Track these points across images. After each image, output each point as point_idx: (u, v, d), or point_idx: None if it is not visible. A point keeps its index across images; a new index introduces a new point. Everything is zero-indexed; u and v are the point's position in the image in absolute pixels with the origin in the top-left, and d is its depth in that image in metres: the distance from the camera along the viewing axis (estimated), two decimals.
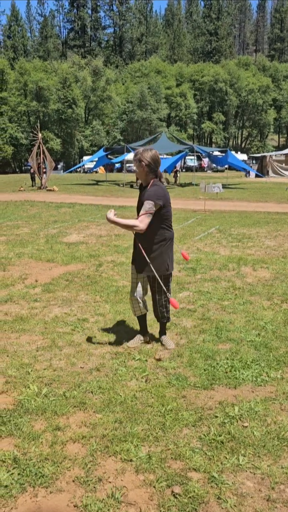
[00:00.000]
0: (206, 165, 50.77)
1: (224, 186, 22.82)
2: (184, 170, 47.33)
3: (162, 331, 3.97)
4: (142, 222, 3.46)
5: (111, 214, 3.46)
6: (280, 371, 3.40)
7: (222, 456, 2.42)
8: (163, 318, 3.89)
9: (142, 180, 3.66)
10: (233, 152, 35.66)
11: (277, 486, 2.21)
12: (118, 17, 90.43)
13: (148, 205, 3.47)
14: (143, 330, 3.97)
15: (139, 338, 3.94)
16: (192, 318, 4.53)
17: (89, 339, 4.01)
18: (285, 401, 2.98)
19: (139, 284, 3.81)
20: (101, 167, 42.68)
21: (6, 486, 2.19)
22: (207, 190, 15.12)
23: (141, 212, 3.50)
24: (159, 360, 3.57)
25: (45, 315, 4.65)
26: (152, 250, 3.65)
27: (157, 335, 4.05)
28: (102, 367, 3.46)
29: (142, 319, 3.95)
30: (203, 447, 2.50)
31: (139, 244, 3.63)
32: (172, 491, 2.16)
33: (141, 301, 3.84)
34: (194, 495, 2.13)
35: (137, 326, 4.19)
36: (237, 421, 2.74)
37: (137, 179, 27.86)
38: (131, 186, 27.51)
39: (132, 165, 42.06)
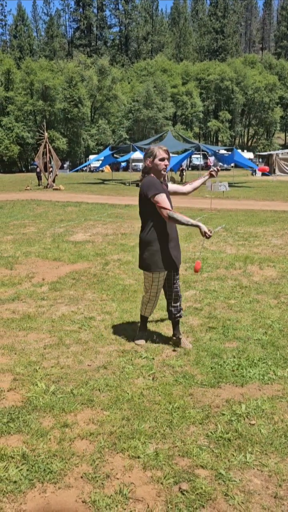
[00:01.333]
0: (212, 164, 50.66)
1: (230, 185, 22.77)
2: (190, 168, 47.26)
3: (179, 330, 3.89)
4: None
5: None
6: (287, 369, 3.39)
7: (229, 454, 2.43)
8: (181, 311, 3.85)
9: (161, 176, 3.63)
10: (239, 151, 35.57)
11: (284, 484, 2.21)
12: (124, 16, 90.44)
13: None
14: (146, 329, 4.02)
15: (144, 338, 3.95)
16: (199, 317, 4.53)
17: (96, 337, 4.03)
18: None
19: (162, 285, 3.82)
20: (107, 166, 42.69)
21: (15, 482, 2.22)
22: (214, 188, 15.10)
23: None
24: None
25: (52, 314, 4.68)
26: None
27: (165, 334, 4.06)
28: (109, 365, 3.48)
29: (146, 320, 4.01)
30: (210, 445, 2.51)
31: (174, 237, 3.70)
32: (180, 488, 2.17)
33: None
34: (201, 491, 2.15)
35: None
36: (244, 419, 2.75)
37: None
38: (137, 185, 27.50)
39: (139, 163, 42.13)
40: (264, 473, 2.29)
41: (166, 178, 3.70)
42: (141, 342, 3.88)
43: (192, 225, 3.48)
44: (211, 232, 3.46)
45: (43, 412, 2.83)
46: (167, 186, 3.80)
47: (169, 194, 3.72)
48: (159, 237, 3.59)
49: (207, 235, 3.44)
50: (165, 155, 3.53)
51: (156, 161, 3.52)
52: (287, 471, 2.30)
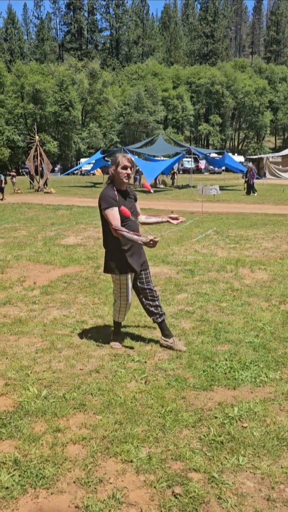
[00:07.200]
0: (203, 167, 50.87)
1: (221, 188, 22.87)
2: (181, 172, 47.42)
3: (169, 332, 3.87)
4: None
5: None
6: (278, 371, 3.41)
7: (222, 457, 2.44)
8: (163, 315, 3.82)
9: (124, 185, 3.64)
10: (230, 154, 35.76)
11: (277, 486, 2.22)
12: (114, 20, 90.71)
13: None
14: (120, 335, 3.97)
15: (119, 343, 3.92)
16: (191, 320, 4.54)
17: (88, 341, 4.01)
18: (284, 401, 2.99)
19: (131, 288, 3.79)
20: (98, 169, 42.68)
21: (7, 488, 2.20)
22: (205, 192, 15.16)
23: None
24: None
25: (44, 317, 4.65)
26: None
27: (158, 337, 4.06)
28: (102, 369, 3.47)
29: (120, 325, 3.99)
30: (203, 448, 2.51)
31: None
32: (173, 492, 2.17)
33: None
34: (194, 495, 2.14)
35: (135, 328, 4.24)
36: (236, 422, 2.75)
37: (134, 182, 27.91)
38: None
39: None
40: (256, 475, 2.30)
41: (133, 186, 3.73)
42: (117, 345, 3.87)
43: (135, 241, 3.44)
44: (155, 238, 3.35)
45: (35, 417, 2.81)
46: (133, 195, 3.78)
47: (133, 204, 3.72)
48: (118, 243, 3.60)
49: (151, 243, 3.35)
50: (128, 164, 3.55)
51: (119, 169, 3.54)
52: (280, 474, 2.30)
